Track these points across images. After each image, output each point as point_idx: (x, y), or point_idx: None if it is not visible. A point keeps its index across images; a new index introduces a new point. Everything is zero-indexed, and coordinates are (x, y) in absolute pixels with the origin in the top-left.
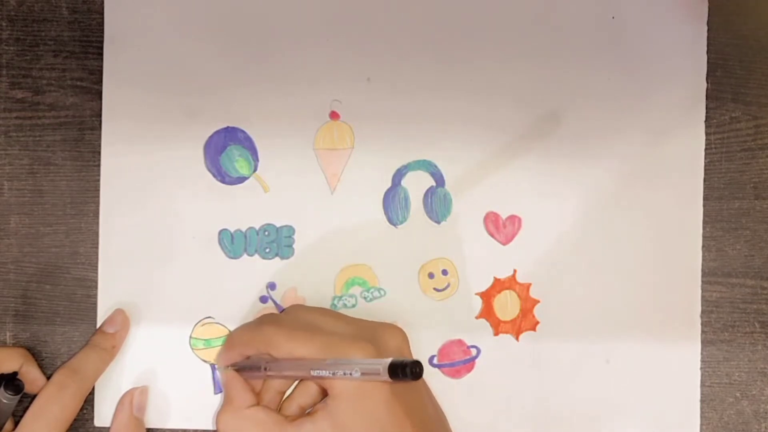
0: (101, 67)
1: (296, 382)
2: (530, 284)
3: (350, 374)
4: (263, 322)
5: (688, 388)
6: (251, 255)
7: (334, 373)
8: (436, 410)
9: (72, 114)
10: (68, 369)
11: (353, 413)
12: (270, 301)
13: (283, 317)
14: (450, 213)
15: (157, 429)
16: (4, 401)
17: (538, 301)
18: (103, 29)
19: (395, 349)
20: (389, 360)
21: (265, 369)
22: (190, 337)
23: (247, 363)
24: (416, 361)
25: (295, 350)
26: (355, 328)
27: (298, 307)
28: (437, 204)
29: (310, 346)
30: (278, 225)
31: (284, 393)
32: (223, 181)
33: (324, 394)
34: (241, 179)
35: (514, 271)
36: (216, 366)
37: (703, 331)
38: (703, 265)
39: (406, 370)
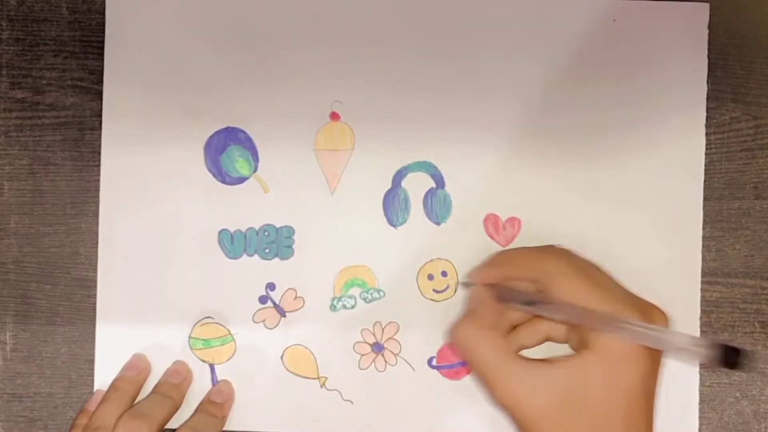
0: (101, 67)
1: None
2: None
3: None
4: (549, 251)
5: (688, 387)
6: (251, 255)
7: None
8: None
9: (72, 114)
10: (188, 428)
11: (600, 375)
12: (269, 301)
13: (569, 253)
14: (450, 214)
15: None
16: None
17: None
18: (103, 29)
19: None
20: (720, 341)
21: (533, 304)
22: (189, 337)
23: (513, 293)
24: (751, 351)
25: (575, 292)
26: (628, 293)
27: (570, 251)
28: (437, 205)
29: (593, 295)
30: (278, 225)
31: (514, 328)
32: (223, 182)
33: (542, 341)
34: (242, 179)
35: None
36: (466, 279)
37: (702, 331)
38: (703, 265)
39: (739, 359)
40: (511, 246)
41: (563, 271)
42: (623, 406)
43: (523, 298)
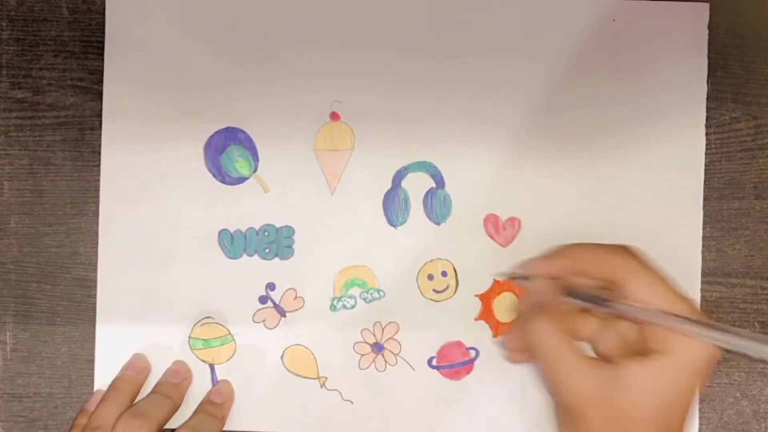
0: (101, 67)
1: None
2: None
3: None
4: (622, 247)
5: None
6: (251, 255)
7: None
8: None
9: (72, 114)
10: (187, 428)
11: (673, 379)
12: (269, 301)
13: (641, 252)
14: (450, 214)
15: None
16: None
17: None
18: (103, 29)
19: None
20: None
21: (605, 301)
22: (189, 337)
23: (583, 289)
24: None
25: (653, 292)
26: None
27: (641, 251)
28: (437, 205)
29: (669, 295)
30: (278, 225)
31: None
32: (223, 182)
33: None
34: (242, 179)
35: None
36: (521, 270)
37: None
38: (703, 265)
39: None
40: (512, 246)
41: (640, 269)
42: (689, 409)
43: (595, 294)
